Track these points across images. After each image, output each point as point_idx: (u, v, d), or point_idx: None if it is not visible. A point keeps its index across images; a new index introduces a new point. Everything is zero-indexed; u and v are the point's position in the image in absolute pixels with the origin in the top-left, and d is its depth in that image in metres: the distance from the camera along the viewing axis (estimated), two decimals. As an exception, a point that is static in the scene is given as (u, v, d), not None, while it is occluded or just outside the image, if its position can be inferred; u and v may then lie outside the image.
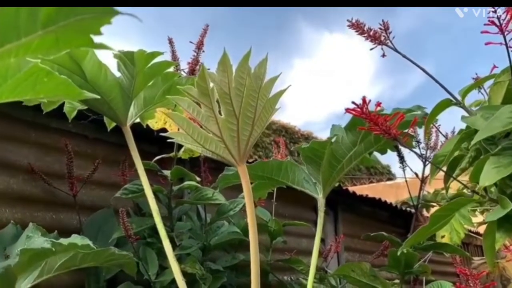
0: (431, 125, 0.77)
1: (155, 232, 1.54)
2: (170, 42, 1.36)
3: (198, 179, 1.42)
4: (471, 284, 1.04)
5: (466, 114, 0.72)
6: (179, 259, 1.50)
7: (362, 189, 5.03)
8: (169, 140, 0.74)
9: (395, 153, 1.46)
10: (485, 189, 0.67)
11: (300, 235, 2.53)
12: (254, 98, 0.72)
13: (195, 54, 1.40)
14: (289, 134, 9.16)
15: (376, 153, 1.22)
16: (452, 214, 0.69)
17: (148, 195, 0.99)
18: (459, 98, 0.73)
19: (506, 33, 0.62)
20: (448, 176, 0.73)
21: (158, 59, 1.05)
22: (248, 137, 0.73)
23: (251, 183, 1.38)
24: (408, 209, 3.30)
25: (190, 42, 1.40)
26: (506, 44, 0.63)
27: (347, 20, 0.85)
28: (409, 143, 1.07)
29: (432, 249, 1.39)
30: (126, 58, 0.92)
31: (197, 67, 1.38)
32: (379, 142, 1.07)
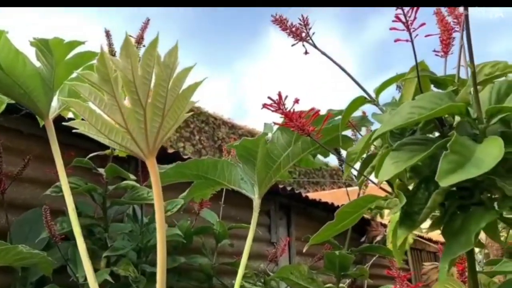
0: (347, 123, 0.76)
1: (90, 232, 1.48)
2: (107, 34, 1.31)
3: (133, 177, 1.37)
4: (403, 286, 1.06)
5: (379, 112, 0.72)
6: (115, 261, 1.45)
7: (323, 195, 5.07)
8: (74, 131, 0.70)
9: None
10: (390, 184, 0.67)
11: (251, 239, 2.51)
12: (164, 88, 0.69)
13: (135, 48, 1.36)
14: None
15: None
16: (360, 211, 0.68)
17: (65, 191, 0.94)
18: (374, 96, 0.73)
19: (412, 30, 0.62)
20: (360, 174, 0.73)
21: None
22: (158, 129, 0.70)
23: (191, 182, 1.35)
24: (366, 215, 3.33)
25: (130, 36, 1.36)
26: (412, 42, 0.63)
27: (271, 16, 0.84)
28: (348, 145, 1.07)
29: (367, 251, 1.39)
30: (42, 46, 0.87)
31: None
32: (316, 143, 1.06)
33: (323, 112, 0.96)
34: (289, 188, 2.71)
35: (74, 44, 0.89)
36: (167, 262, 1.67)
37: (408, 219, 0.62)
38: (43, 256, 0.91)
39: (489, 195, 0.62)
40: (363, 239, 3.51)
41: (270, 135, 1.18)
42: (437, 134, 0.68)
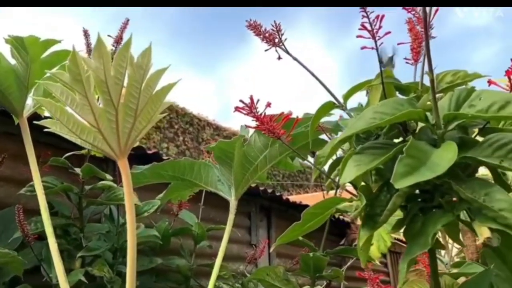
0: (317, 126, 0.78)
1: (66, 232, 1.47)
2: (85, 34, 1.31)
3: (110, 178, 1.37)
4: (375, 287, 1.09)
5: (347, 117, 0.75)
6: (90, 262, 1.44)
7: (305, 197, 5.11)
8: (45, 130, 0.70)
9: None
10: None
11: (231, 240, 2.51)
12: (137, 89, 0.70)
13: (114, 48, 1.36)
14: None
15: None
16: (326, 212, 0.70)
17: (37, 190, 0.93)
18: (342, 101, 0.75)
19: (377, 38, 0.65)
20: (327, 177, 0.75)
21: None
22: (130, 130, 0.71)
23: (168, 183, 1.35)
24: (341, 217, 3.38)
25: (109, 35, 1.36)
26: (377, 50, 0.65)
27: (246, 21, 0.85)
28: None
29: (342, 253, 1.42)
30: (17, 44, 0.87)
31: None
32: (293, 146, 1.08)
33: (300, 116, 0.98)
34: (270, 191, 2.73)
35: (50, 42, 0.90)
36: (144, 263, 1.68)
37: (370, 220, 0.64)
38: (14, 256, 0.90)
39: (449, 198, 0.64)
40: (342, 241, 3.55)
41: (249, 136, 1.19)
42: (402, 138, 0.70)
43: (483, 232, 0.56)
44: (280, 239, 0.69)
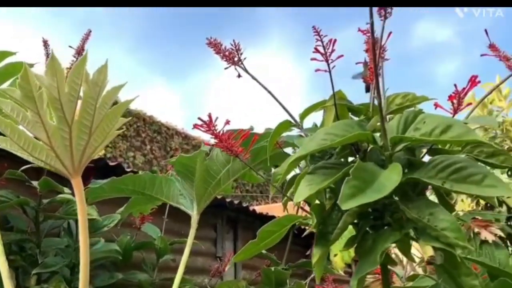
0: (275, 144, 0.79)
1: (21, 248, 1.42)
2: (45, 44, 1.28)
3: (68, 191, 1.34)
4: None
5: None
6: (47, 279, 1.39)
7: (274, 208, 5.11)
8: (-5, 146, 0.68)
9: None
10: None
11: (196, 253, 2.49)
12: (92, 106, 0.69)
13: (75, 59, 1.34)
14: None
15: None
16: (282, 230, 0.71)
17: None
18: (298, 120, 0.77)
19: (330, 61, 0.67)
20: (283, 195, 0.76)
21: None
22: (85, 147, 0.70)
23: (129, 197, 1.33)
24: (306, 227, 3.40)
25: (70, 46, 1.34)
26: (329, 72, 0.67)
27: (206, 38, 0.86)
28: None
29: (304, 266, 1.43)
30: (-31, 55, 0.84)
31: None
32: (255, 160, 1.09)
33: (269, 124, 1.00)
34: (236, 202, 2.73)
35: (4, 54, 0.87)
36: (105, 278, 1.64)
37: (323, 238, 0.65)
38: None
39: (398, 216, 0.67)
40: (308, 252, 3.58)
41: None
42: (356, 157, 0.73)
43: (427, 251, 0.59)
44: (236, 257, 0.69)
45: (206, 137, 0.82)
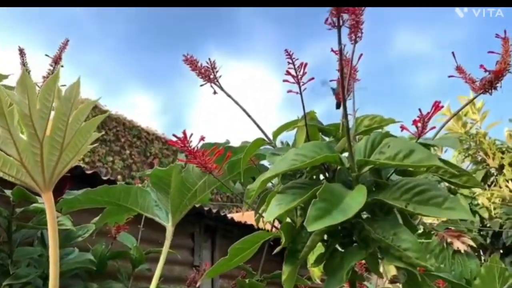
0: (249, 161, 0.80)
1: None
2: (21, 52, 1.27)
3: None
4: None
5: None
6: (17, 289, 1.36)
7: (253, 216, 5.11)
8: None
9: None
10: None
11: (172, 262, 2.47)
12: (64, 122, 0.69)
13: (52, 68, 1.33)
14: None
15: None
16: (253, 247, 0.73)
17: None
18: (271, 138, 0.79)
19: (301, 83, 0.69)
20: (256, 212, 0.77)
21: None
22: (56, 163, 0.70)
23: (101, 210, 1.32)
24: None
25: (46, 55, 1.33)
26: (300, 94, 0.69)
27: (183, 55, 0.87)
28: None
29: (276, 277, 1.44)
30: None
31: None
32: (233, 172, 1.10)
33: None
34: (215, 210, 2.73)
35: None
36: (78, 288, 1.60)
37: (292, 256, 0.67)
38: None
39: (366, 234, 0.69)
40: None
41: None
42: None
43: (390, 270, 0.61)
44: (208, 274, 0.70)
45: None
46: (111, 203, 1.24)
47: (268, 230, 0.81)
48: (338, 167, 0.68)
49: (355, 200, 0.57)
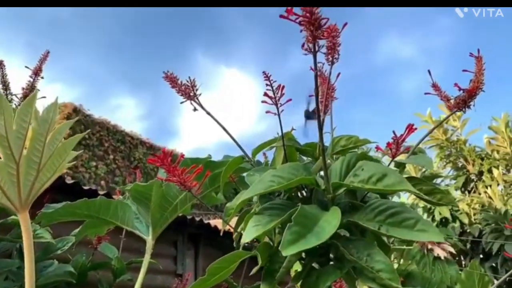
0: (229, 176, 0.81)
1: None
2: (0, 64, 1.25)
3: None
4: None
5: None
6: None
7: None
8: None
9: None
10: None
11: (155, 271, 2.46)
12: (41, 142, 0.69)
13: (32, 79, 1.32)
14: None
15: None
16: (231, 266, 0.73)
17: None
18: (251, 156, 0.79)
19: (279, 105, 0.70)
20: (234, 230, 0.78)
21: None
22: (33, 182, 0.70)
23: (83, 221, 1.31)
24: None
25: (26, 67, 1.32)
26: (278, 115, 0.70)
27: (163, 72, 0.87)
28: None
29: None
30: None
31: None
32: (214, 184, 1.10)
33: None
34: (198, 219, 2.72)
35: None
36: (58, 301, 1.58)
37: (269, 276, 0.68)
38: None
39: (341, 253, 0.70)
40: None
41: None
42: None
43: (364, 291, 0.62)
44: (184, 294, 0.70)
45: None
46: (91, 216, 1.23)
47: (248, 244, 0.82)
48: (315, 189, 0.69)
49: (329, 223, 0.58)
